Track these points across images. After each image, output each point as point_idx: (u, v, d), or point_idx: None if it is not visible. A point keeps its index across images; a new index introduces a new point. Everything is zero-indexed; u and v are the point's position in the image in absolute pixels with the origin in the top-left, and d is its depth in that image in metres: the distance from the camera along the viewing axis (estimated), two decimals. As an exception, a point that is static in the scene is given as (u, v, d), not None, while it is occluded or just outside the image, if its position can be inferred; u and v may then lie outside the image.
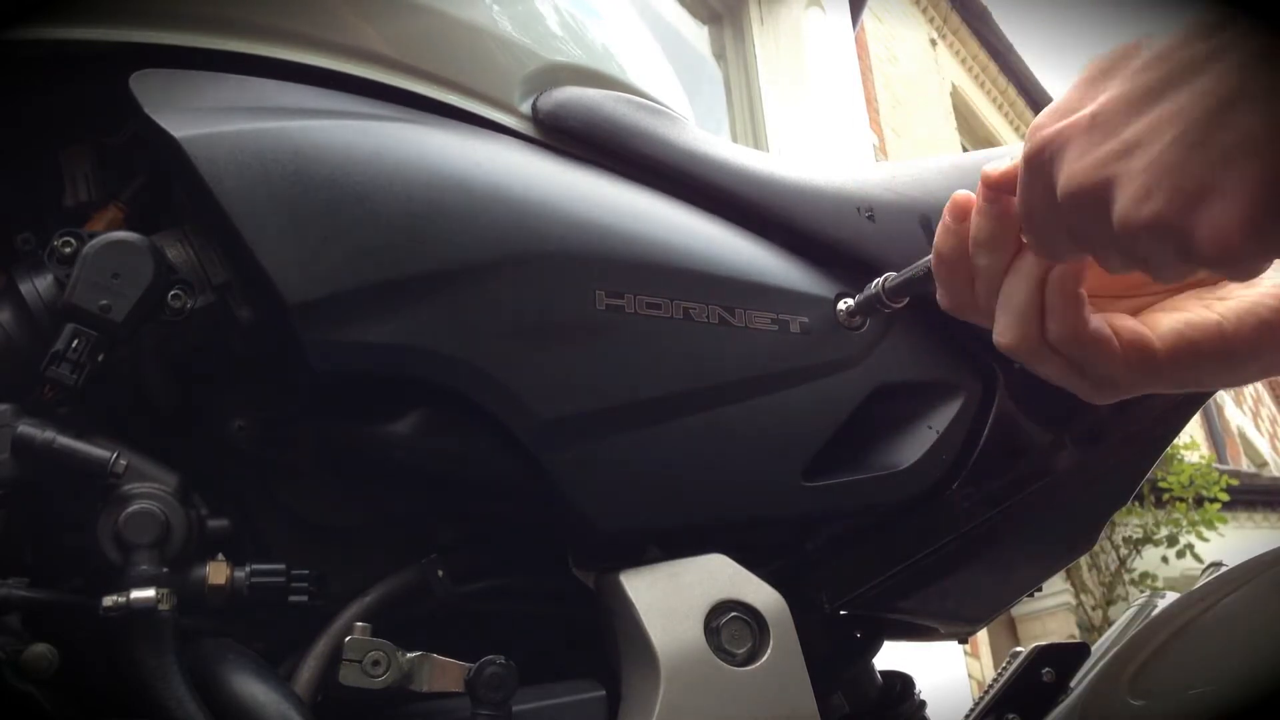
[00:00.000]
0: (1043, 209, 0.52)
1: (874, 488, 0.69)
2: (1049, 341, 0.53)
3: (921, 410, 0.72)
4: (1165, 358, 0.53)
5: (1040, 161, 0.52)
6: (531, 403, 0.60)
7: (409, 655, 0.58)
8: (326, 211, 0.57)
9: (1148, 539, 6.94)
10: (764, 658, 0.62)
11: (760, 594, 0.64)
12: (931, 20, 7.50)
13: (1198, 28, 0.47)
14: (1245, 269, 0.49)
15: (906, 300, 0.64)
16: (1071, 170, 0.50)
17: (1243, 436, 10.81)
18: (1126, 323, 0.54)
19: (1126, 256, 0.51)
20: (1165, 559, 6.87)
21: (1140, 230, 0.48)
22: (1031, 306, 0.54)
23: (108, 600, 0.51)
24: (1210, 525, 6.89)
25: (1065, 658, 0.78)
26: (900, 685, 0.82)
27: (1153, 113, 0.48)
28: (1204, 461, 7.25)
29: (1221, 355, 0.54)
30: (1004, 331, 0.54)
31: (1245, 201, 0.45)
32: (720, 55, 4.75)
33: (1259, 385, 10.83)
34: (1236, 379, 0.55)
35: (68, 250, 0.55)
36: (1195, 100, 0.46)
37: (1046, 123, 0.52)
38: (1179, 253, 0.48)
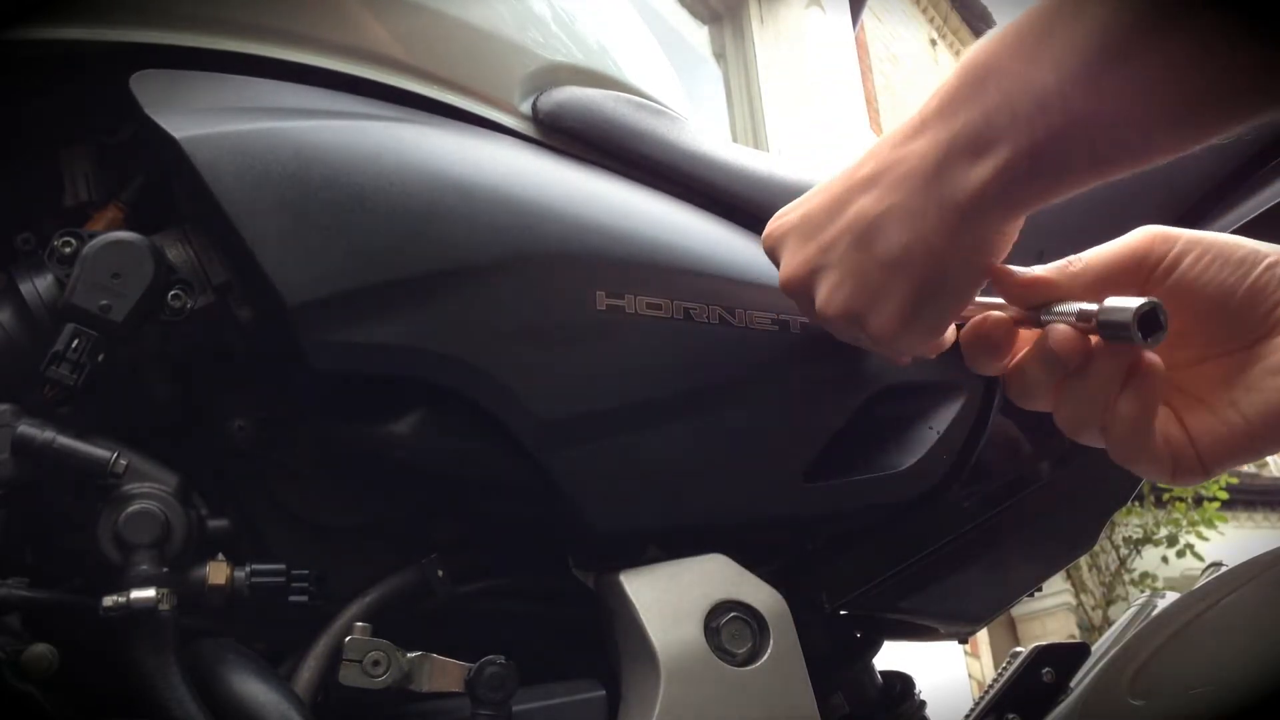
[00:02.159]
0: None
1: (874, 488, 0.69)
2: (1107, 440, 0.55)
3: (922, 411, 0.72)
4: (1209, 465, 0.55)
5: (769, 252, 0.63)
6: (531, 403, 0.60)
7: (409, 655, 0.58)
8: (326, 212, 0.57)
9: (1148, 539, 6.94)
10: (764, 658, 0.62)
11: (760, 594, 0.64)
12: (931, 20, 7.50)
13: (889, 140, 0.55)
14: (907, 354, 0.61)
15: None
16: (786, 264, 0.60)
17: (1243, 436, 10.78)
18: (1174, 431, 0.54)
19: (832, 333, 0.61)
20: (1165, 559, 6.88)
21: (832, 319, 0.58)
22: (1096, 411, 0.54)
23: (108, 600, 0.51)
24: (1210, 525, 6.89)
25: (1065, 658, 0.78)
26: (900, 685, 0.82)
27: (841, 220, 0.57)
28: (1204, 461, 7.22)
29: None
30: (1066, 423, 0.56)
31: (900, 303, 0.55)
32: (720, 55, 4.74)
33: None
34: None
35: (68, 250, 0.55)
36: (863, 211, 0.55)
37: (771, 224, 0.62)
38: (862, 337, 0.59)
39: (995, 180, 0.50)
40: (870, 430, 0.70)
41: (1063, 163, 0.49)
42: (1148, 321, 0.49)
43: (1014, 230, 0.54)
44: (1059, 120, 0.47)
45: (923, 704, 0.82)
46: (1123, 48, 0.44)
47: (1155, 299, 0.49)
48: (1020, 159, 0.49)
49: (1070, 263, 0.56)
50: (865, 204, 0.55)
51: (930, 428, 0.71)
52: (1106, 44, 0.44)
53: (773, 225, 0.62)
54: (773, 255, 0.63)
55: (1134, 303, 0.49)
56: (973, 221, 0.52)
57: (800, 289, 0.60)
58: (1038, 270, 0.56)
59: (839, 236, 0.57)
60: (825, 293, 0.58)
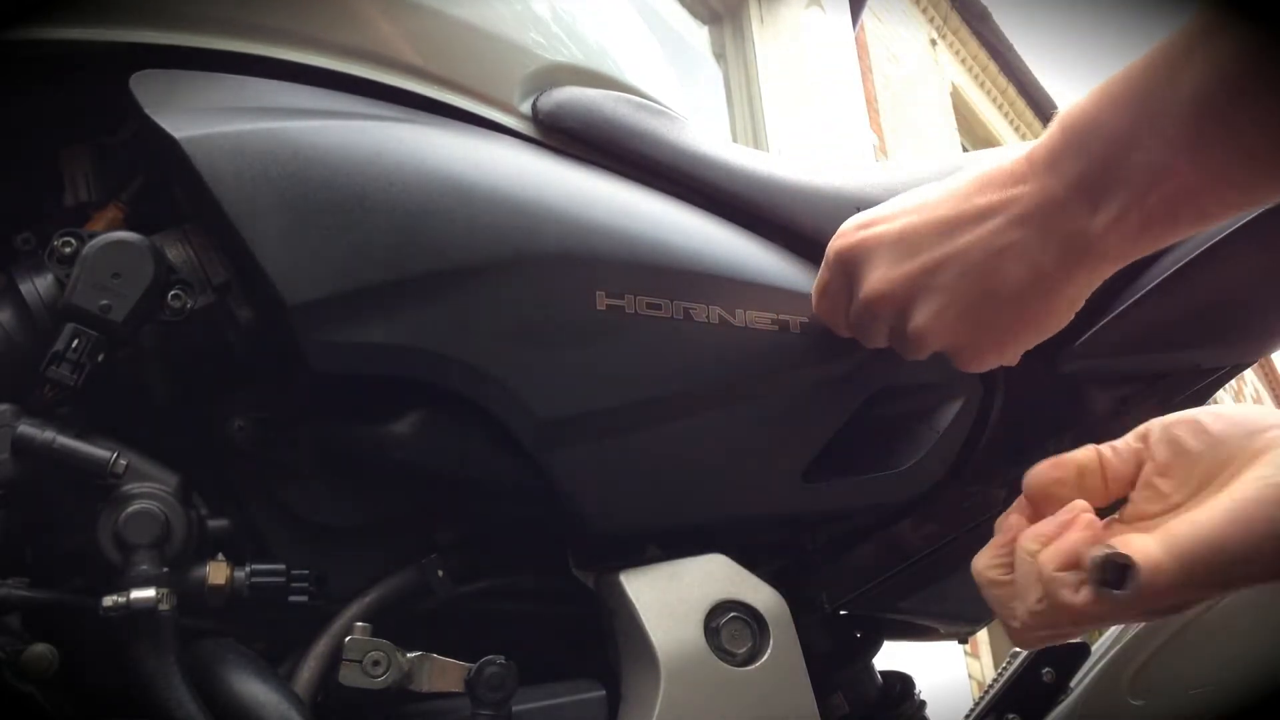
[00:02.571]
0: (843, 302, 0.63)
1: (874, 488, 0.69)
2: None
3: (922, 411, 0.72)
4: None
5: (846, 262, 0.61)
6: (531, 404, 0.60)
7: (409, 655, 0.58)
8: (326, 212, 0.57)
9: (1148, 539, 6.92)
10: (764, 658, 0.62)
11: (760, 594, 0.64)
12: (931, 20, 7.50)
13: (992, 179, 0.56)
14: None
15: None
16: (880, 277, 0.59)
17: (1243, 436, 10.77)
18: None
19: (894, 346, 0.62)
20: (1165, 559, 6.86)
21: (927, 341, 0.59)
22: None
23: (108, 600, 0.51)
24: (1210, 525, 6.86)
25: (1065, 658, 0.78)
26: (900, 685, 0.82)
27: (951, 245, 0.57)
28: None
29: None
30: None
31: (1005, 335, 0.58)
32: (720, 55, 4.74)
33: (1259, 385, 10.83)
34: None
35: (68, 250, 0.55)
36: (980, 241, 0.56)
37: (851, 231, 0.61)
38: (950, 359, 0.60)
39: (1113, 230, 0.52)
40: (870, 430, 0.70)
41: (1171, 219, 0.51)
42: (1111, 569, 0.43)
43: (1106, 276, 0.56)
44: (1168, 186, 0.49)
45: (923, 704, 0.82)
46: (1219, 110, 0.45)
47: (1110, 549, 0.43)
48: (1132, 215, 0.51)
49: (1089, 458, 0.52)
50: (982, 235, 0.56)
51: (930, 428, 0.71)
52: (1201, 109, 0.46)
53: (859, 234, 0.61)
54: (848, 262, 0.61)
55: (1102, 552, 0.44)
56: (1088, 265, 0.54)
57: (892, 306, 0.59)
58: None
59: (948, 261, 0.57)
60: (927, 315, 0.58)
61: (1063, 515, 0.48)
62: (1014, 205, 0.55)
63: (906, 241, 0.59)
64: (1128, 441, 0.51)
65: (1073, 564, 0.45)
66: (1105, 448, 0.51)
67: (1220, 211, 0.51)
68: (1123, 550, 0.43)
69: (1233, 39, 0.44)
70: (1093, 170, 0.51)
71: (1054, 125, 0.54)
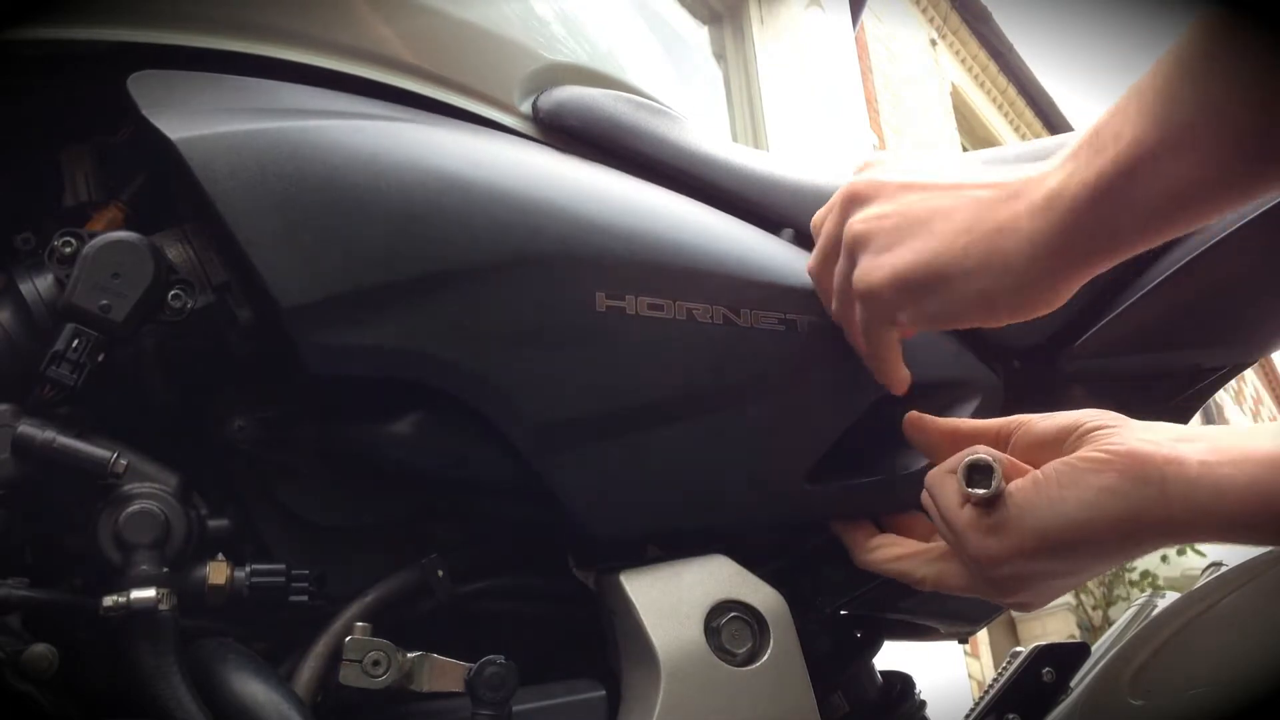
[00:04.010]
0: (836, 258, 0.65)
1: (878, 492, 0.69)
2: None
3: (931, 412, 0.71)
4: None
5: (848, 200, 0.64)
6: (529, 407, 0.60)
7: (409, 655, 0.58)
8: (323, 213, 0.57)
9: (1148, 539, 6.92)
10: (764, 658, 0.62)
11: (760, 594, 0.64)
12: (931, 20, 7.50)
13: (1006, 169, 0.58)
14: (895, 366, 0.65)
15: None
16: (874, 211, 0.62)
17: (1243, 436, 10.76)
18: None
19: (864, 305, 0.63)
20: (1165, 558, 6.87)
21: (894, 281, 0.60)
22: None
23: (108, 600, 0.51)
24: (1210, 525, 6.86)
25: (1065, 658, 0.78)
26: (900, 685, 0.82)
27: (953, 196, 0.59)
28: (1204, 461, 7.21)
29: None
30: None
31: (973, 311, 0.59)
32: (720, 55, 4.74)
33: (1259, 385, 10.83)
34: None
35: (68, 250, 0.55)
36: (977, 203, 0.58)
37: (860, 171, 0.65)
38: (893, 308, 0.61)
39: (1069, 215, 0.53)
40: (877, 432, 0.69)
41: (1128, 203, 0.51)
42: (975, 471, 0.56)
43: (1055, 293, 0.57)
44: (1128, 149, 0.49)
45: (923, 704, 0.82)
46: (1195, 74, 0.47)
47: (985, 454, 0.56)
48: (1089, 188, 0.51)
49: (1011, 424, 0.61)
50: (984, 199, 0.58)
51: None
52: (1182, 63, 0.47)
53: (867, 175, 0.64)
54: (849, 200, 0.64)
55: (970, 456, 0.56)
56: (1083, 255, 0.55)
57: (874, 240, 0.61)
58: (967, 423, 0.64)
59: (946, 211, 0.59)
60: (909, 253, 0.59)
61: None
62: (1026, 185, 0.56)
63: (913, 187, 0.61)
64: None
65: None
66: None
67: (1169, 223, 0.52)
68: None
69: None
70: (1075, 147, 0.53)
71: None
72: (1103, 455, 0.54)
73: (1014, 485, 0.55)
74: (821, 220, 0.67)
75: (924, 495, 0.61)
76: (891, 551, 0.65)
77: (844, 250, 0.63)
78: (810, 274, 0.68)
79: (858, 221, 0.62)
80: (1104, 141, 0.51)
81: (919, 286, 0.59)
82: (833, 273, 0.65)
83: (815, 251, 0.67)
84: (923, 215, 0.59)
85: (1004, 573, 0.57)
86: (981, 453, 0.56)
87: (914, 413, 0.66)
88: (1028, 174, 0.56)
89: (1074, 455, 0.55)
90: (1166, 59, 0.49)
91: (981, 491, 0.55)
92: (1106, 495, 0.53)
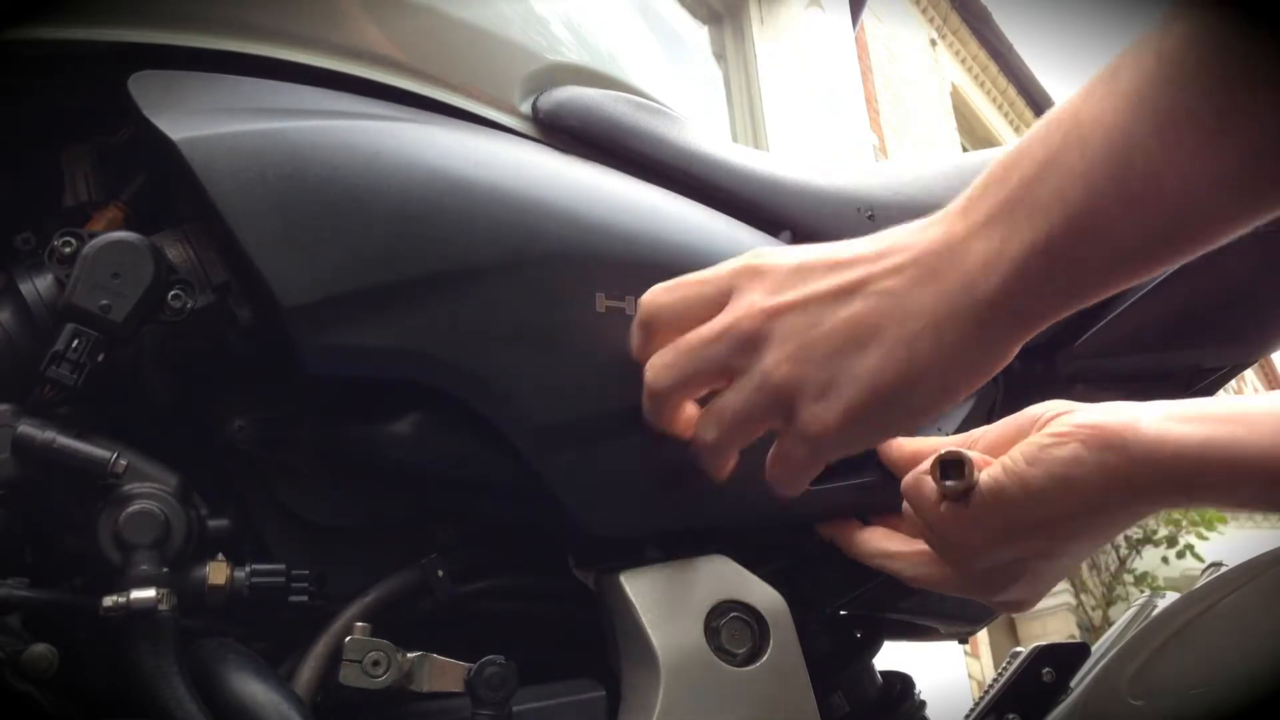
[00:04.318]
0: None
1: (877, 490, 0.69)
2: None
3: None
4: None
5: (730, 288, 0.56)
6: (529, 408, 0.60)
7: (409, 655, 0.58)
8: (323, 213, 0.57)
9: (1148, 539, 6.94)
10: (764, 658, 0.62)
11: (760, 594, 0.64)
12: (931, 20, 7.50)
13: (856, 251, 0.53)
14: (805, 476, 0.59)
15: None
16: (750, 300, 0.55)
17: (1243, 436, 10.76)
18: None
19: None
20: (1165, 559, 6.87)
21: (781, 385, 0.54)
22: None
23: (108, 600, 0.51)
24: (1210, 525, 6.88)
25: (1065, 658, 0.78)
26: (900, 685, 0.82)
27: (835, 279, 0.53)
28: (1204, 461, 7.22)
29: None
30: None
31: (885, 422, 0.55)
32: (720, 55, 4.75)
33: (1259, 385, 10.82)
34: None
35: (68, 250, 0.55)
36: (862, 284, 0.52)
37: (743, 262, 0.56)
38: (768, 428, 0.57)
39: (1015, 278, 0.47)
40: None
41: (1079, 265, 0.46)
42: (947, 467, 0.56)
43: (1012, 351, 0.52)
44: (1080, 207, 0.44)
45: (923, 704, 0.82)
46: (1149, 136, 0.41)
47: (956, 449, 0.56)
48: (1036, 256, 0.46)
49: (972, 435, 0.62)
50: (870, 276, 0.52)
51: (938, 429, 0.71)
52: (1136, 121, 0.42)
53: (751, 260, 0.56)
54: (730, 290, 0.56)
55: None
56: (994, 323, 0.49)
57: (746, 342, 0.55)
58: (930, 442, 0.63)
59: (823, 299, 0.53)
60: (781, 356, 0.53)
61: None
62: (911, 250, 0.51)
63: (801, 305, 0.54)
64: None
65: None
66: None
67: (1139, 257, 0.46)
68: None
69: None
70: (1004, 203, 0.47)
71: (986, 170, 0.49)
72: (1064, 428, 0.55)
73: (984, 474, 0.56)
74: (705, 372, 0.57)
75: (904, 506, 0.62)
76: (881, 546, 0.66)
77: (771, 405, 0.55)
78: (709, 441, 0.58)
79: (774, 366, 0.54)
80: (1043, 201, 0.46)
81: (874, 415, 0.53)
82: (748, 433, 0.58)
83: (723, 416, 0.57)
84: (844, 334, 0.52)
85: (988, 565, 0.58)
86: (952, 448, 0.57)
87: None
88: (911, 242, 0.51)
89: (1037, 435, 0.56)
90: (1123, 99, 0.43)
91: (956, 484, 0.56)
92: (1072, 465, 0.54)
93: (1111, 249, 0.45)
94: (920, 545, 0.64)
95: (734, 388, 0.56)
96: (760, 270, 0.56)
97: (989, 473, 0.56)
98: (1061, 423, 0.56)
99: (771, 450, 0.58)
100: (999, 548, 0.56)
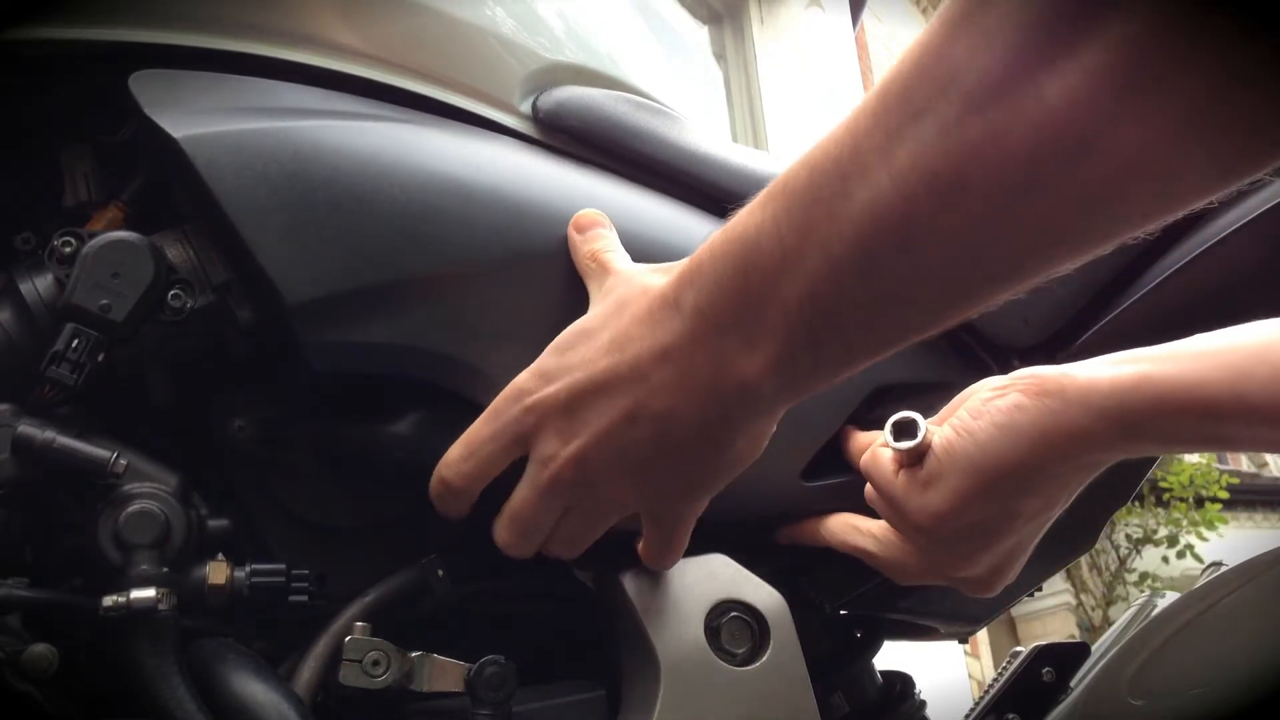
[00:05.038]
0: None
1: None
2: None
3: (921, 410, 0.72)
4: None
5: (519, 428, 0.55)
6: None
7: (409, 655, 0.58)
8: (325, 212, 0.57)
9: (1148, 539, 6.94)
10: (764, 658, 0.62)
11: (760, 594, 0.64)
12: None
13: (638, 314, 0.52)
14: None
15: None
16: (548, 450, 0.55)
17: (1243, 436, 10.77)
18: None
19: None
20: (1165, 559, 6.88)
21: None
22: None
23: (108, 600, 0.51)
24: (1210, 525, 6.89)
25: (1065, 658, 0.78)
26: (900, 685, 0.82)
27: (606, 405, 0.52)
28: (1204, 461, 7.25)
29: None
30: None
31: (677, 507, 0.57)
32: (720, 55, 4.75)
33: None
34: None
35: (68, 250, 0.55)
36: (617, 407, 0.52)
37: (531, 389, 0.55)
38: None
39: (774, 371, 0.47)
40: (869, 430, 0.70)
41: (845, 349, 0.46)
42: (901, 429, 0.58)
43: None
44: (836, 312, 0.43)
45: (923, 704, 0.82)
46: (896, 226, 0.39)
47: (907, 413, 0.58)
48: (798, 349, 0.45)
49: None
50: (641, 397, 0.51)
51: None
52: (878, 224, 0.40)
53: (531, 399, 0.55)
54: (521, 435, 0.56)
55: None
56: (759, 411, 0.51)
57: (568, 483, 0.55)
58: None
59: (612, 430, 0.52)
60: (606, 493, 0.55)
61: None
62: (662, 357, 0.50)
63: (574, 408, 0.54)
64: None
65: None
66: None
67: (900, 336, 0.45)
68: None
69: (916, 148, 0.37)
70: (744, 302, 0.46)
71: (708, 243, 0.48)
72: (1003, 382, 0.58)
73: (936, 437, 0.58)
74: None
75: (866, 488, 0.63)
76: (847, 524, 0.67)
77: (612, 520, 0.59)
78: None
79: (613, 496, 0.56)
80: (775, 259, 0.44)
81: (697, 498, 0.57)
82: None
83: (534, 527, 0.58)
84: (647, 454, 0.53)
85: (948, 530, 0.58)
86: (904, 413, 0.59)
87: (849, 428, 0.68)
88: (659, 344, 0.50)
89: (979, 394, 0.59)
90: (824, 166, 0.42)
91: (910, 443, 0.58)
92: (1015, 413, 0.56)
93: (872, 332, 0.45)
94: (885, 523, 0.65)
95: (574, 517, 0.58)
96: (537, 410, 0.55)
97: (940, 434, 0.58)
98: (1000, 378, 0.58)
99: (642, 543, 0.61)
100: (957, 512, 0.57)
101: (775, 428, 0.54)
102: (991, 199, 0.36)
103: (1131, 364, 0.55)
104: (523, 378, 0.56)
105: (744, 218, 0.47)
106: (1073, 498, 0.60)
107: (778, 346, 0.46)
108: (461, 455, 0.57)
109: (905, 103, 0.38)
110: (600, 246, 0.61)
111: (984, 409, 0.57)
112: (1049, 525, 0.62)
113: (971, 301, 0.42)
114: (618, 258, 0.60)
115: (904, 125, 0.38)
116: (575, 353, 0.54)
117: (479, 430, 0.57)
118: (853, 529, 0.67)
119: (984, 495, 0.57)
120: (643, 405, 0.51)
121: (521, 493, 0.57)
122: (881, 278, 0.41)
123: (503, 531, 0.59)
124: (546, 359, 0.56)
